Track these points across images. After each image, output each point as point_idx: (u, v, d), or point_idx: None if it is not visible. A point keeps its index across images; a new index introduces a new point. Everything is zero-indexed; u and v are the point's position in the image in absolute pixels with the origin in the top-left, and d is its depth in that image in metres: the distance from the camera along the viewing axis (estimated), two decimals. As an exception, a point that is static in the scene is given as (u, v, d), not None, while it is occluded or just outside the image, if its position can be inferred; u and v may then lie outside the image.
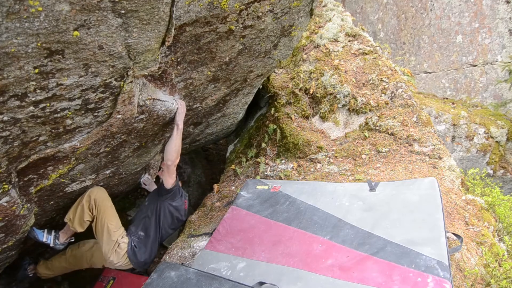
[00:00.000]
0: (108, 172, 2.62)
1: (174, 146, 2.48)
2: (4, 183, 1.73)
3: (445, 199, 2.39)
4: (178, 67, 2.12)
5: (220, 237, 2.41)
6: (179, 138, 2.49)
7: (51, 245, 2.54)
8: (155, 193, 2.89)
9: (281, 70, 3.99)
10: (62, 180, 2.28)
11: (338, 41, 3.87)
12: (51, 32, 1.25)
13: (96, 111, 1.83)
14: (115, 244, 2.55)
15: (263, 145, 3.41)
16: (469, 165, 4.41)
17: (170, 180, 2.68)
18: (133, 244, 2.62)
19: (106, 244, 2.55)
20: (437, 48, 6.36)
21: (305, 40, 3.96)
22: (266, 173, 3.20)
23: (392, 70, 3.47)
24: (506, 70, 5.02)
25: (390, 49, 6.39)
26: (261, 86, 3.62)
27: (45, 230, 2.52)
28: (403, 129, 3.07)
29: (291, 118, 3.43)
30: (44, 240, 2.48)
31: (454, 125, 4.47)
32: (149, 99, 2.11)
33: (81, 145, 2.00)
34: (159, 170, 3.07)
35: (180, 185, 2.97)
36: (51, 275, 3.04)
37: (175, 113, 2.42)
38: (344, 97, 3.39)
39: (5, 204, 1.84)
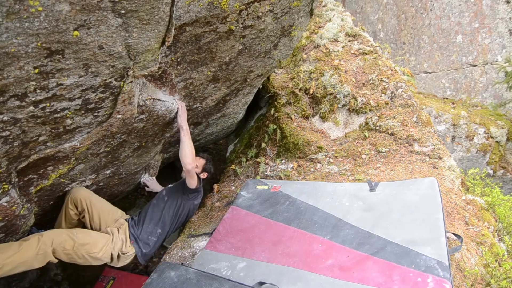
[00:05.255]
0: (108, 172, 2.62)
1: (187, 148, 2.42)
2: (4, 183, 1.73)
3: (445, 199, 2.39)
4: (178, 67, 2.12)
5: (220, 237, 2.41)
6: (188, 138, 2.44)
7: None
8: (177, 189, 2.79)
9: (281, 70, 3.99)
10: (62, 180, 2.28)
11: (338, 41, 3.87)
12: (51, 32, 1.25)
13: (96, 111, 1.83)
14: (117, 255, 2.42)
15: (263, 145, 3.41)
16: (469, 165, 4.41)
17: (192, 182, 2.65)
18: (144, 251, 2.52)
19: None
20: (437, 48, 6.36)
21: (305, 40, 3.96)
22: (266, 173, 3.20)
23: (392, 70, 3.47)
24: (502, 71, 5.01)
25: (390, 49, 6.39)
26: (261, 86, 3.62)
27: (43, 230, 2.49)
28: (403, 129, 3.07)
29: (291, 118, 3.43)
30: None
31: (454, 125, 4.47)
32: (149, 99, 2.11)
33: (81, 145, 2.00)
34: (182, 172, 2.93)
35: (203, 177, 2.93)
36: None
37: (176, 114, 2.41)
38: (344, 97, 3.39)
39: (5, 204, 1.84)
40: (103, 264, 2.82)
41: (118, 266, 2.50)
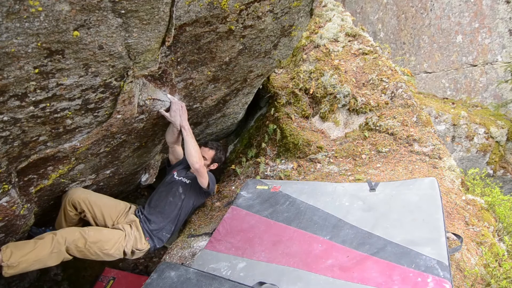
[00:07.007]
0: (108, 172, 2.62)
1: (192, 148, 2.40)
2: (4, 183, 1.73)
3: (445, 199, 2.39)
4: (178, 67, 2.12)
5: (220, 237, 2.41)
6: (192, 138, 2.41)
7: None
8: (194, 188, 2.77)
9: (281, 70, 3.99)
10: (62, 180, 2.28)
11: (338, 41, 3.87)
12: (51, 32, 1.25)
13: (96, 111, 1.83)
14: (130, 251, 2.46)
15: (263, 145, 3.41)
16: (469, 165, 4.41)
17: (204, 180, 2.65)
18: (157, 246, 2.60)
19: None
20: (437, 48, 6.36)
21: (305, 40, 3.96)
22: (266, 173, 3.20)
23: (392, 70, 3.47)
24: (508, 70, 5.00)
25: (390, 49, 6.39)
26: (261, 86, 3.62)
27: (44, 229, 2.51)
28: (403, 129, 3.07)
29: (291, 118, 3.43)
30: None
31: (454, 125, 4.47)
32: (149, 99, 2.11)
33: (81, 145, 2.00)
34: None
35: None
36: None
37: (171, 110, 2.39)
38: (344, 97, 3.39)
39: (5, 204, 1.84)
40: (103, 263, 2.82)
41: (132, 258, 2.55)
